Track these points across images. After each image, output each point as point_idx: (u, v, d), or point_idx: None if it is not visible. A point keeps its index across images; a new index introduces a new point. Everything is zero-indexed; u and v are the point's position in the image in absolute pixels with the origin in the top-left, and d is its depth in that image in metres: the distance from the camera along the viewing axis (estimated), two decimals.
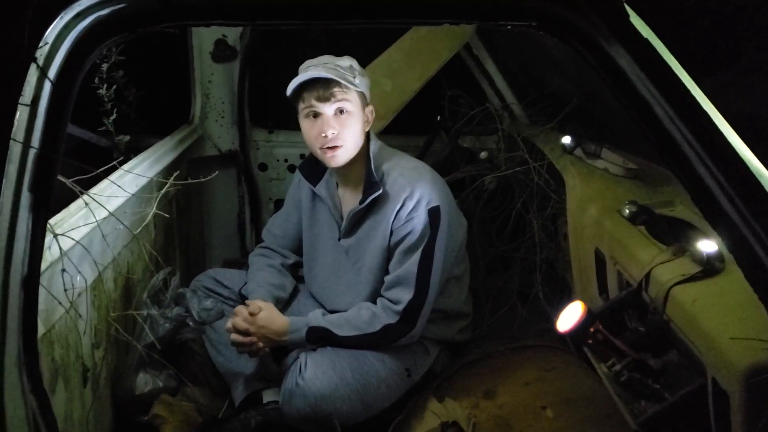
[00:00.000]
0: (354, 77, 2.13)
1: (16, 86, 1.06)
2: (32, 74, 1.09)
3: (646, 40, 1.14)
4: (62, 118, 1.14)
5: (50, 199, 1.16)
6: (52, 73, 1.11)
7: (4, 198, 1.07)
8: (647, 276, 1.75)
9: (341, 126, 2.12)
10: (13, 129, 1.06)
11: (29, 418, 1.16)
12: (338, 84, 2.09)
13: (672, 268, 1.68)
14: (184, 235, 3.01)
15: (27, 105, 1.06)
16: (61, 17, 1.09)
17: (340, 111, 2.12)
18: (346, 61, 2.16)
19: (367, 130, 2.22)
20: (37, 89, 1.10)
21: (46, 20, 1.08)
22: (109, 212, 1.74)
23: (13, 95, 1.06)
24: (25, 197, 1.11)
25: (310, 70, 2.12)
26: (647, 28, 1.19)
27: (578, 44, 1.17)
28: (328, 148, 2.13)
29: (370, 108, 2.22)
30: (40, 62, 1.09)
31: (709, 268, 1.61)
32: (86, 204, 1.60)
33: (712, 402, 1.41)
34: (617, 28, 1.14)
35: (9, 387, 1.11)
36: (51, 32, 1.09)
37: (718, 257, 1.62)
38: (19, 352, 1.14)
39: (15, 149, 1.08)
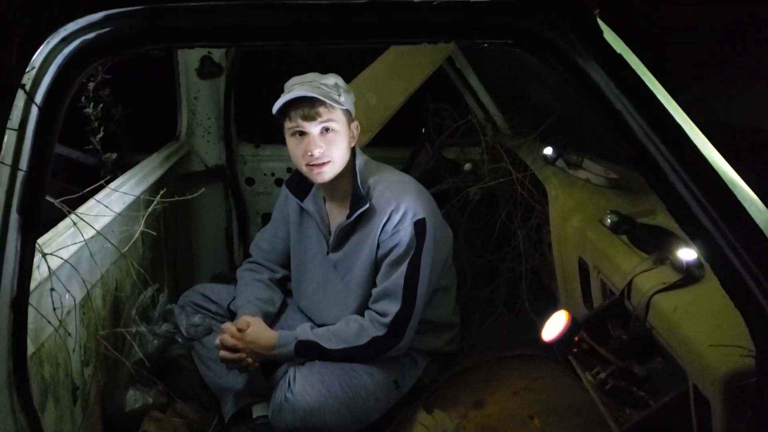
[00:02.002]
0: (339, 95, 2.14)
1: (3, 111, 1.08)
2: (19, 99, 1.10)
3: (619, 56, 1.17)
4: (49, 140, 1.16)
5: (39, 221, 1.18)
6: (38, 97, 1.13)
7: None
8: (629, 284, 1.77)
9: (327, 144, 2.14)
10: (2, 152, 1.08)
11: None
12: (323, 103, 2.10)
13: (653, 277, 1.71)
14: (171, 250, 3.02)
15: (15, 129, 1.07)
16: (48, 42, 1.11)
17: (326, 130, 2.14)
18: (332, 79, 2.18)
19: (353, 145, 2.24)
20: (24, 113, 1.11)
21: (33, 45, 1.10)
22: (97, 231, 1.75)
23: (0, 120, 1.08)
24: (14, 219, 1.13)
25: (296, 88, 2.13)
26: (621, 42, 1.22)
27: (553, 60, 1.20)
28: (315, 165, 2.15)
29: (355, 124, 2.24)
30: (27, 87, 1.11)
31: (689, 275, 1.64)
32: (74, 224, 1.61)
33: (693, 408, 1.44)
34: (591, 44, 1.17)
35: None
36: (38, 57, 1.11)
37: (698, 265, 1.65)
38: (9, 373, 1.16)
39: (3, 172, 1.09)
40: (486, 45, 1.18)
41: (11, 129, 1.05)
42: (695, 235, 1.18)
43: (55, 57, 1.14)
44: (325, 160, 2.14)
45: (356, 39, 1.23)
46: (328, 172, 2.17)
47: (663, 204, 1.19)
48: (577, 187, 2.39)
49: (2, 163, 1.08)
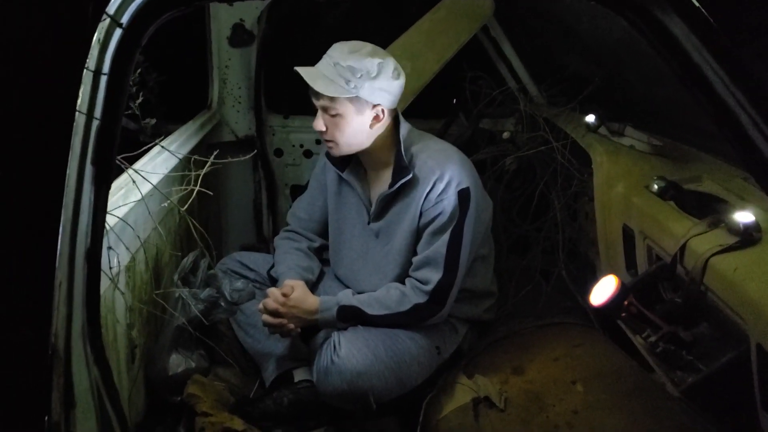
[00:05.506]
0: (348, 81, 2.02)
1: (79, 60, 1.08)
2: (94, 48, 1.10)
3: (699, 8, 1.15)
4: (122, 90, 1.16)
5: (111, 173, 1.18)
6: (111, 44, 1.12)
7: (70, 170, 1.08)
8: (682, 248, 1.76)
9: (330, 125, 2.12)
10: (78, 101, 1.08)
11: (93, 388, 1.18)
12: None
13: (708, 240, 1.70)
14: (204, 220, 3.02)
15: (90, 71, 1.07)
16: None
17: (326, 109, 2.11)
18: (353, 59, 2.03)
19: (375, 127, 2.15)
20: (98, 62, 1.11)
21: None
22: (154, 186, 1.75)
23: (76, 68, 1.08)
24: (89, 170, 1.13)
25: (318, 64, 2.09)
26: None
27: (631, 14, 1.18)
28: (326, 140, 2.17)
29: (378, 107, 2.11)
30: (101, 36, 1.11)
31: (747, 238, 1.62)
32: (133, 181, 1.61)
33: (756, 367, 1.43)
34: None
35: (75, 357, 1.13)
36: (111, 6, 1.11)
37: (756, 227, 1.63)
38: (84, 324, 1.16)
39: (79, 121, 1.09)
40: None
41: (88, 70, 1.04)
42: None
43: (128, 6, 1.13)
44: (328, 139, 2.15)
45: None
46: (335, 151, 2.18)
47: (741, 159, 1.18)
48: (621, 154, 2.36)
49: (78, 111, 1.08)
